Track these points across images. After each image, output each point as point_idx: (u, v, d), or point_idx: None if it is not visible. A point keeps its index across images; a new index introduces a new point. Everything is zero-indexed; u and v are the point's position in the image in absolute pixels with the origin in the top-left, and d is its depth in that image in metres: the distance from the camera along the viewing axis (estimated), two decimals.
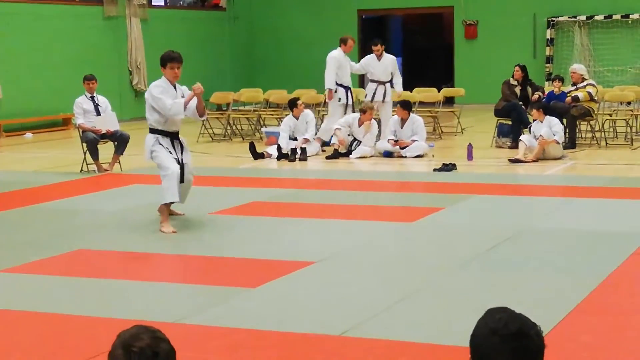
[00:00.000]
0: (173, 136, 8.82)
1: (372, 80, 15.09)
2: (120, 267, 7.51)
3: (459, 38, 23.47)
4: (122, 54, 21.02)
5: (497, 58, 22.23)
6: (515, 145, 14.01)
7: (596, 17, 21.90)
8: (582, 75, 14.87)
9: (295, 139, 14.36)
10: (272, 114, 17.89)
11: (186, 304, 6.32)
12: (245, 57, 24.82)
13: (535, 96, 15.09)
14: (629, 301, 6.23)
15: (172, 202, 8.80)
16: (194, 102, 8.68)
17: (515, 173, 12.45)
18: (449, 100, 19.72)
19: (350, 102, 15.04)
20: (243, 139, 16.83)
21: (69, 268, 7.41)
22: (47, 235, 8.67)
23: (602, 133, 14.99)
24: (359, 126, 14.17)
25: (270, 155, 14.12)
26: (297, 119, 14.53)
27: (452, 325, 5.58)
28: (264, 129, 16.58)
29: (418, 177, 12.47)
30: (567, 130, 14.47)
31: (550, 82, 16.52)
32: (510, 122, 14.89)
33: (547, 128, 13.19)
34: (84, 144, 12.83)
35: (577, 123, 14.77)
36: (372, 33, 21.56)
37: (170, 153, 8.74)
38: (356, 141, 14.22)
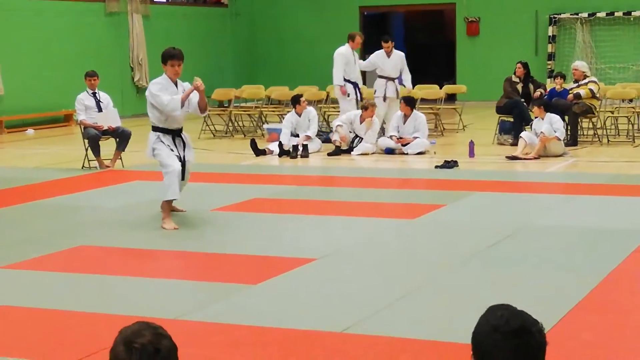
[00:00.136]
0: (175, 133, 8.81)
1: (382, 77, 15.14)
2: (122, 263, 7.51)
3: (461, 35, 23.45)
4: (123, 50, 21.02)
5: (499, 55, 22.21)
6: (517, 142, 14.00)
7: (598, 14, 21.87)
8: (584, 72, 14.86)
9: (297, 135, 14.35)
10: (273, 111, 17.88)
11: (187, 300, 6.32)
12: (246, 53, 24.81)
13: (537, 93, 15.08)
14: (630, 299, 6.22)
15: (173, 200, 8.81)
16: (195, 97, 8.67)
17: (516, 170, 12.44)
18: (451, 97, 19.71)
19: (359, 97, 15.04)
20: (244, 135, 16.82)
21: (70, 264, 7.41)
22: (48, 231, 8.67)
23: (604, 130, 14.98)
24: (361, 123, 14.16)
25: (271, 152, 14.12)
26: (299, 115, 14.51)
27: (453, 322, 5.58)
28: (265, 126, 16.58)
29: (419, 174, 12.46)
30: (569, 128, 14.47)
31: (552, 79, 16.53)
32: (512, 119, 14.88)
33: (548, 125, 13.18)
34: (86, 141, 12.83)
35: (579, 120, 14.76)
36: (374, 30, 21.59)
37: (172, 150, 8.74)
38: (358, 138, 14.21)
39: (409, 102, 14.20)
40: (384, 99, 14.97)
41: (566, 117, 14.34)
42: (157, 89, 8.64)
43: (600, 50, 21.99)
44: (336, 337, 5.38)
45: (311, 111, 14.71)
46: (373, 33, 22.22)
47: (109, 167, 12.80)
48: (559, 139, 13.22)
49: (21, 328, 5.71)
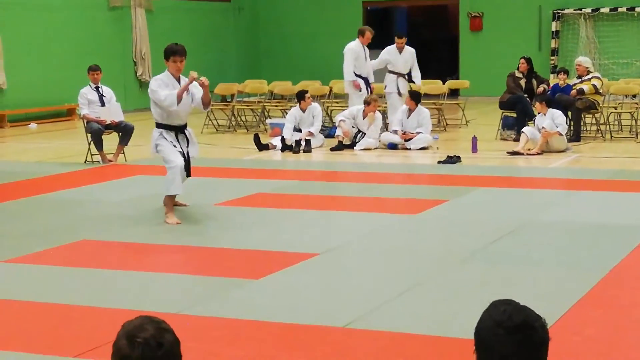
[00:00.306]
0: (178, 130, 8.81)
1: (392, 72, 15.16)
2: (124, 257, 7.51)
3: (464, 30, 23.43)
4: (126, 44, 21.02)
5: (502, 50, 22.18)
6: (519, 137, 13.98)
7: (602, 10, 21.85)
8: (587, 67, 14.84)
9: (300, 130, 14.35)
10: (276, 106, 17.87)
11: (190, 294, 6.32)
12: (249, 48, 24.81)
13: (540, 89, 15.06)
14: (633, 294, 6.22)
15: (176, 194, 8.82)
16: (199, 92, 8.67)
17: (519, 166, 12.43)
18: (454, 93, 19.69)
19: (370, 93, 15.03)
20: (247, 130, 16.82)
21: (73, 258, 7.41)
22: (50, 225, 8.68)
23: (607, 126, 14.96)
24: (364, 118, 14.16)
25: (275, 147, 14.11)
26: (303, 111, 14.50)
27: (455, 317, 5.58)
28: (268, 121, 16.57)
29: (422, 169, 12.46)
30: (572, 123, 14.46)
31: (556, 74, 16.49)
32: (515, 115, 14.87)
33: (550, 120, 13.17)
34: (89, 135, 12.83)
35: (582, 116, 14.75)
36: (377, 25, 21.53)
37: (175, 146, 8.75)
38: (360, 133, 14.21)
39: (415, 97, 14.22)
40: (399, 93, 14.97)
41: (569, 113, 14.32)
42: (156, 85, 8.66)
43: (603, 46, 21.96)
44: (338, 332, 5.38)
45: (316, 108, 14.68)
46: (376, 28, 22.16)
47: (111, 161, 12.80)
48: (561, 134, 13.20)
49: (24, 322, 5.72)
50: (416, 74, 15.32)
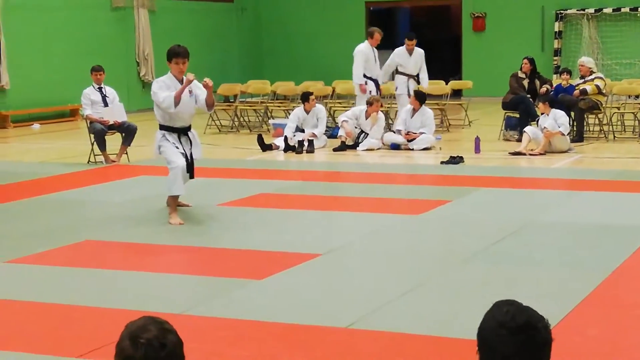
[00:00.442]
0: (181, 131, 8.82)
1: (402, 73, 15.17)
2: (127, 258, 7.52)
3: (467, 30, 23.43)
4: (129, 45, 21.03)
5: (505, 51, 22.18)
6: (522, 138, 13.98)
7: (604, 10, 21.83)
8: (590, 68, 14.83)
9: (303, 130, 14.35)
10: (279, 106, 17.88)
11: (192, 295, 6.33)
12: (252, 48, 24.81)
13: (543, 89, 15.06)
14: (636, 294, 6.22)
15: (179, 195, 8.83)
16: (203, 94, 8.69)
17: (522, 166, 12.43)
18: (457, 93, 19.69)
19: (379, 94, 15.03)
20: (250, 130, 16.83)
21: (76, 259, 7.42)
22: (53, 226, 8.68)
23: (610, 126, 14.95)
24: (366, 118, 14.16)
25: (278, 147, 14.12)
26: (307, 112, 14.50)
27: (458, 317, 5.58)
28: (271, 121, 16.57)
29: (425, 169, 12.45)
30: (575, 124, 14.45)
31: (558, 75, 16.48)
32: (518, 115, 14.86)
33: (552, 120, 13.17)
34: (92, 135, 12.84)
35: (585, 116, 14.74)
36: (380, 25, 21.49)
37: (177, 148, 8.76)
38: (363, 133, 14.21)
39: (419, 97, 14.25)
40: (409, 95, 14.97)
41: (572, 113, 14.31)
42: (157, 87, 8.69)
43: (606, 46, 21.95)
44: (341, 332, 5.38)
45: (321, 110, 14.67)
46: (379, 28, 22.13)
47: (114, 161, 12.81)
48: (563, 134, 13.19)
49: (26, 322, 5.72)
50: (423, 76, 15.38)
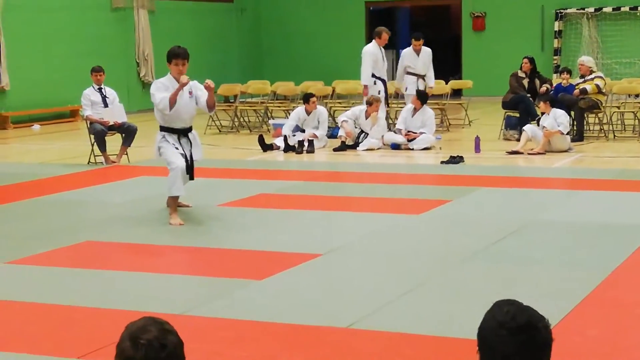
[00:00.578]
0: (181, 132, 8.82)
1: (411, 74, 15.15)
2: (127, 258, 7.52)
3: (467, 30, 23.43)
4: (129, 45, 21.03)
5: (505, 50, 22.18)
6: None
7: (604, 9, 21.83)
8: (590, 67, 14.83)
9: (304, 130, 14.34)
10: (279, 106, 17.88)
11: (193, 295, 6.33)
12: (252, 48, 24.81)
13: (543, 88, 15.06)
14: (636, 294, 6.22)
15: (179, 196, 8.84)
16: (204, 95, 8.70)
17: (522, 166, 12.43)
18: (457, 93, 19.68)
19: (387, 94, 15.01)
20: (250, 131, 16.83)
21: (76, 259, 7.42)
22: (54, 227, 8.68)
23: (610, 126, 14.96)
24: (366, 118, 14.16)
25: (279, 147, 14.12)
26: (308, 114, 14.49)
27: (458, 317, 5.58)
28: (271, 121, 16.57)
29: (425, 169, 12.45)
30: (575, 123, 14.45)
31: (558, 74, 16.48)
32: (518, 115, 14.86)
33: (552, 119, 13.17)
34: (92, 136, 12.84)
35: (585, 116, 14.74)
36: (380, 25, 21.47)
37: (177, 149, 8.77)
38: (363, 133, 14.21)
39: (421, 97, 14.25)
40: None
41: (572, 113, 14.31)
42: (154, 89, 8.73)
43: (606, 46, 21.95)
44: (341, 332, 5.39)
45: (322, 113, 14.65)
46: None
47: (114, 162, 12.81)
48: (562, 133, 13.18)
49: (27, 323, 5.72)
50: (430, 75, 15.38)
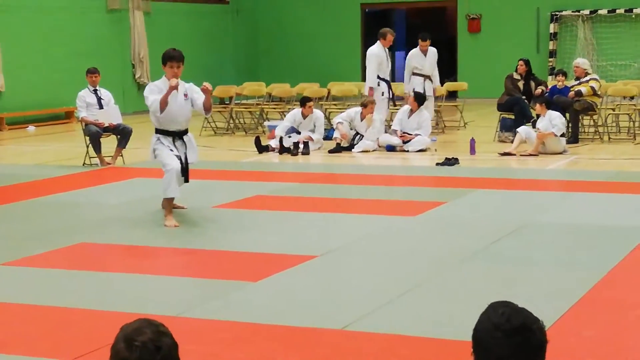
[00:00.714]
0: (176, 135, 8.82)
1: (418, 74, 15.13)
2: (122, 260, 7.52)
3: (462, 32, 23.44)
4: (125, 47, 21.01)
5: (501, 52, 22.19)
6: None
7: (600, 12, 21.86)
8: (585, 69, 14.85)
9: (299, 132, 14.33)
10: (274, 108, 17.87)
11: (188, 297, 6.32)
12: (248, 50, 24.81)
13: (538, 91, 15.08)
14: (631, 296, 6.22)
15: (174, 197, 8.83)
16: (200, 98, 8.70)
17: (517, 168, 12.44)
18: (452, 94, 19.68)
19: (391, 95, 14.99)
20: (246, 132, 16.83)
21: (71, 261, 7.41)
22: (49, 228, 8.67)
23: (605, 128, 14.97)
24: (361, 120, 14.16)
25: (275, 149, 14.12)
26: (304, 117, 14.48)
27: (453, 319, 5.58)
28: (266, 123, 16.57)
29: (421, 171, 12.46)
30: (570, 125, 14.47)
31: (554, 76, 16.51)
32: (513, 117, 14.88)
33: (547, 121, 13.19)
34: (87, 137, 12.83)
35: (580, 118, 14.75)
36: (375, 27, 21.47)
37: (172, 150, 8.77)
38: (358, 135, 14.21)
39: (418, 99, 14.24)
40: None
41: (567, 115, 14.33)
42: (148, 91, 8.76)
43: (601, 48, 21.97)
44: (337, 334, 5.38)
45: (319, 117, 14.64)
46: (374, 30, 22.11)
47: (110, 164, 12.80)
48: (556, 135, 13.19)
49: (22, 325, 5.72)
50: (435, 74, 15.41)
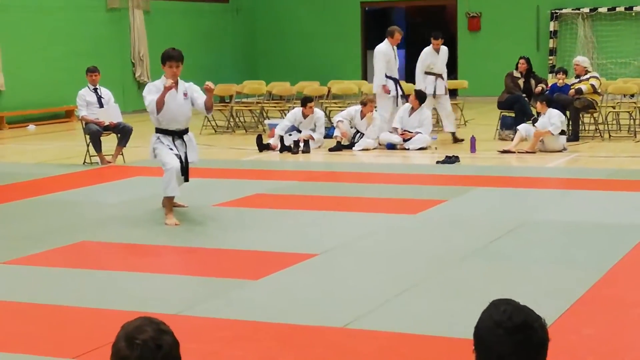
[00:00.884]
0: (175, 134, 8.82)
1: (430, 73, 15.11)
2: (123, 259, 7.52)
3: (462, 30, 23.43)
4: (124, 46, 21.01)
5: (501, 50, 22.17)
6: None
7: (600, 9, 21.85)
8: (585, 67, 14.85)
9: (300, 131, 14.33)
10: (274, 106, 17.87)
11: (189, 295, 6.32)
12: (247, 49, 24.80)
13: (539, 89, 15.07)
14: (631, 294, 6.22)
15: (174, 196, 8.83)
16: (202, 97, 8.71)
17: (517, 166, 12.44)
18: (452, 93, 19.61)
19: (400, 93, 14.97)
20: (246, 131, 16.82)
21: (72, 260, 7.42)
22: (49, 227, 8.67)
23: (606, 125, 14.97)
24: (362, 118, 14.16)
25: (276, 147, 14.11)
26: (305, 117, 14.47)
27: (454, 317, 5.58)
28: (266, 121, 16.56)
29: (421, 169, 12.46)
30: (571, 123, 14.46)
31: (554, 74, 16.50)
32: (513, 115, 14.87)
33: (546, 119, 13.19)
34: (87, 136, 12.83)
35: (581, 116, 14.75)
36: (375, 25, 21.54)
37: (171, 149, 8.77)
38: (359, 133, 14.21)
39: (420, 97, 14.21)
40: (434, 95, 14.85)
41: (567, 113, 14.33)
42: (146, 91, 8.79)
43: (601, 46, 21.96)
44: (337, 332, 5.38)
45: (320, 117, 14.63)
46: (374, 29, 22.17)
47: (110, 162, 12.80)
48: (552, 134, 13.17)
49: (23, 323, 5.72)
50: (445, 72, 15.39)
